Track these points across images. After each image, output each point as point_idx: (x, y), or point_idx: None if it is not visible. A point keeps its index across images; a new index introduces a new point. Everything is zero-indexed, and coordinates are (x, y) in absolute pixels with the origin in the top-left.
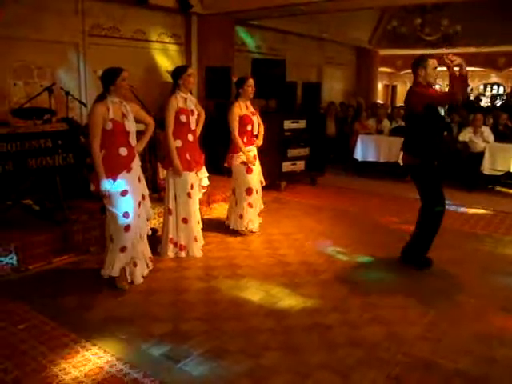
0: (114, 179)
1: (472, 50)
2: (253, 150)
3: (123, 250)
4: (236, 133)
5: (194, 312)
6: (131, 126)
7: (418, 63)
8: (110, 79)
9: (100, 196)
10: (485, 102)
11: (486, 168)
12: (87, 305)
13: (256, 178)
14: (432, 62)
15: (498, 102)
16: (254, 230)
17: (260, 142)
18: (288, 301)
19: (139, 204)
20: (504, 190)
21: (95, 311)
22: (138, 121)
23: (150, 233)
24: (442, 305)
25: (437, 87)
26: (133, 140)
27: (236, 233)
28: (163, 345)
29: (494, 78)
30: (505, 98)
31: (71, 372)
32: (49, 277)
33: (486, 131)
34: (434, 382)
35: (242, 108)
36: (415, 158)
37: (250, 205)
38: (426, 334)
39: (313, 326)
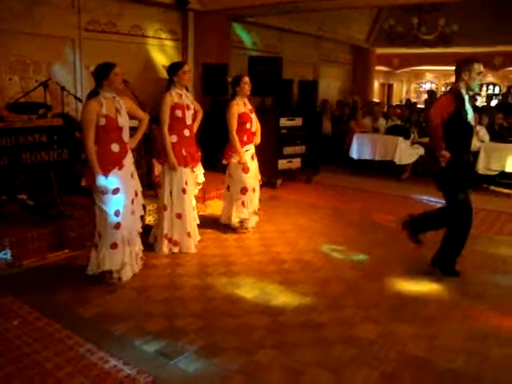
0: (106, 176)
1: (468, 49)
2: (251, 149)
3: (114, 246)
4: (234, 132)
5: (189, 309)
6: (124, 122)
7: (462, 66)
8: (103, 73)
9: (91, 191)
10: (480, 101)
11: (481, 167)
12: (81, 301)
13: (252, 177)
14: (478, 66)
15: (494, 102)
16: (248, 228)
17: (258, 139)
18: (283, 298)
19: (132, 201)
20: (498, 189)
21: (89, 307)
22: (131, 116)
23: (140, 230)
24: (436, 303)
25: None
26: (125, 136)
27: (229, 229)
28: (157, 341)
29: (490, 78)
30: (501, 97)
31: (65, 368)
32: (43, 272)
33: (482, 131)
34: (427, 380)
35: (241, 106)
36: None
37: (244, 204)
38: (420, 332)
39: (307, 323)
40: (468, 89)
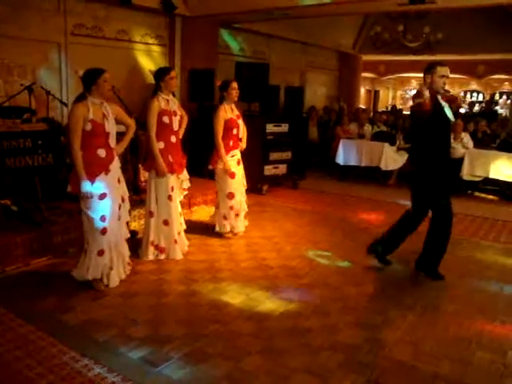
0: (92, 181)
1: (453, 57)
2: (237, 154)
3: (101, 253)
4: (219, 137)
5: (174, 315)
6: (111, 128)
7: (426, 69)
8: (91, 79)
9: (78, 197)
10: (465, 108)
11: (466, 174)
12: (65, 307)
13: (238, 182)
14: (440, 69)
15: (477, 109)
16: (236, 233)
17: (244, 145)
18: (269, 304)
19: (119, 206)
20: (482, 195)
21: (73, 314)
22: (118, 122)
23: (129, 235)
24: (421, 309)
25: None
26: (112, 141)
27: (219, 235)
28: (142, 348)
29: (473, 86)
30: (484, 104)
31: (48, 376)
32: (26, 279)
33: (466, 137)
34: None
35: (228, 111)
36: (413, 166)
37: (232, 208)
38: (406, 338)
39: (293, 329)
40: (433, 91)
